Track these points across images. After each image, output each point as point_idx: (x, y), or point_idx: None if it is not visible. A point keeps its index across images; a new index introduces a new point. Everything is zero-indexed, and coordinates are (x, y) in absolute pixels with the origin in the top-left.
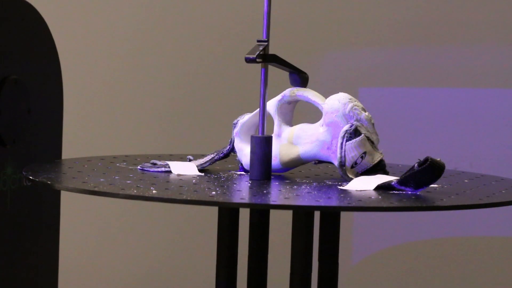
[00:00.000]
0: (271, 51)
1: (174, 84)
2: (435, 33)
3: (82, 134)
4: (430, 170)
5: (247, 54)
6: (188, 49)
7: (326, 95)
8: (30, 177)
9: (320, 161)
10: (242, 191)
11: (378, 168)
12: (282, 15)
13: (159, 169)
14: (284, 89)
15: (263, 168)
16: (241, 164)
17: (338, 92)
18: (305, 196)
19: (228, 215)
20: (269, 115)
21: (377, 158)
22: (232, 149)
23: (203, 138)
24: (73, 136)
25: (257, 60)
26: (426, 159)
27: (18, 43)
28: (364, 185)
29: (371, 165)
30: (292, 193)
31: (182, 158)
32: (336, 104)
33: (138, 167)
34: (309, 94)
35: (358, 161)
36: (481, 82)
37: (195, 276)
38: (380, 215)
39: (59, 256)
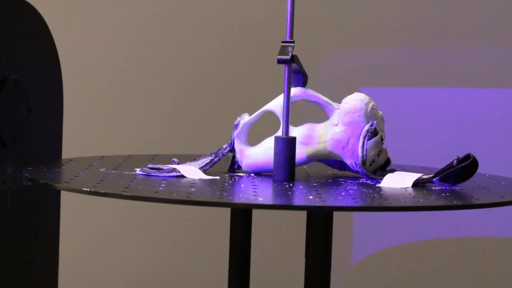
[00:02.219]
0: (271, 51)
1: (174, 84)
2: (435, 33)
3: (82, 134)
4: (472, 167)
5: (279, 56)
6: (188, 49)
7: (326, 95)
8: (30, 177)
9: (319, 162)
10: (288, 193)
11: (386, 165)
12: (282, 15)
13: (170, 174)
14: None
15: (288, 170)
16: (234, 163)
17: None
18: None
19: (241, 216)
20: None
21: (386, 155)
22: (231, 150)
23: (203, 138)
24: (73, 136)
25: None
26: (468, 156)
27: (18, 43)
28: (400, 182)
29: (383, 163)
30: (353, 194)
31: (181, 158)
32: (359, 104)
33: (138, 173)
34: (319, 95)
35: (375, 159)
36: (481, 82)
37: (197, 277)
38: (381, 215)
39: (59, 256)
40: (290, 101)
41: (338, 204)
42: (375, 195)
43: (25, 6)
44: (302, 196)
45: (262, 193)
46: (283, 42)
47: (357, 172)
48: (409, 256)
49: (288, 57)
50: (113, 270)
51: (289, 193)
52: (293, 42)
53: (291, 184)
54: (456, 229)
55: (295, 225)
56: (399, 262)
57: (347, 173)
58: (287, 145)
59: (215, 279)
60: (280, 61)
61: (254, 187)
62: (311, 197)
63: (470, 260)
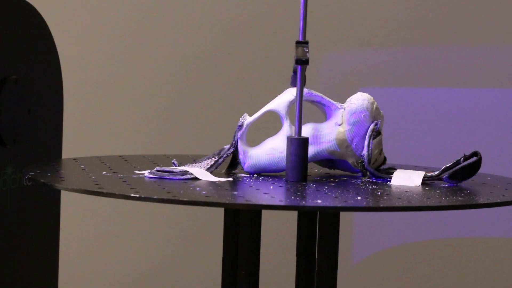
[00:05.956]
0: (271, 50)
1: (174, 84)
2: (435, 33)
3: (82, 134)
4: (479, 163)
5: (298, 57)
6: (186, 50)
7: (326, 95)
8: (30, 177)
9: (317, 162)
10: (303, 193)
11: (383, 163)
12: (282, 15)
13: (184, 177)
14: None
15: (302, 170)
16: (236, 164)
17: (338, 92)
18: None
19: (251, 217)
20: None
21: (383, 154)
22: (234, 151)
23: (202, 138)
24: (73, 136)
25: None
26: (476, 153)
27: (18, 43)
28: (409, 180)
29: (382, 161)
30: (369, 195)
31: (179, 159)
32: (366, 104)
33: (147, 175)
34: (322, 95)
35: (377, 158)
36: (481, 82)
37: (200, 278)
38: (381, 216)
39: (59, 256)
40: (293, 101)
41: (364, 204)
42: (397, 195)
43: (25, 6)
44: (327, 196)
45: (279, 194)
46: (297, 42)
47: (355, 171)
48: (409, 256)
49: (307, 58)
50: (113, 270)
51: (307, 193)
52: (307, 42)
53: (304, 184)
54: (456, 229)
55: (293, 225)
56: (399, 262)
57: (347, 172)
58: (300, 145)
59: (220, 281)
60: (298, 62)
61: (268, 188)
62: (334, 196)
63: (470, 260)
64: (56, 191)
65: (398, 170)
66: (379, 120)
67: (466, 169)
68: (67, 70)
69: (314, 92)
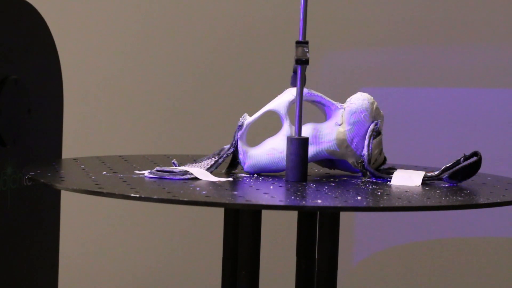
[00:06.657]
0: (271, 50)
1: (174, 84)
2: (435, 33)
3: (82, 134)
4: (479, 163)
5: (298, 57)
6: (188, 50)
7: (326, 95)
8: (30, 177)
9: (317, 162)
10: (305, 193)
11: (383, 163)
12: (282, 15)
13: (184, 177)
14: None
15: (302, 170)
16: (236, 164)
17: (338, 92)
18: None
19: (251, 217)
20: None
21: (383, 154)
22: (234, 151)
23: (202, 138)
24: (73, 136)
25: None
26: (476, 153)
27: (18, 43)
28: (409, 180)
29: (382, 161)
30: (368, 195)
31: (179, 159)
32: (366, 104)
33: (147, 175)
34: (322, 95)
35: (377, 158)
36: (481, 82)
37: (199, 278)
38: (381, 216)
39: (59, 256)
40: (293, 101)
41: (364, 204)
42: (396, 195)
43: (25, 6)
44: (327, 196)
45: (279, 194)
46: (297, 42)
47: (355, 171)
48: (409, 256)
49: (307, 58)
50: (113, 270)
51: (307, 193)
52: (307, 42)
53: (304, 184)
54: (456, 229)
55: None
56: (400, 262)
57: (347, 172)
58: (300, 145)
59: (220, 281)
60: (299, 62)
61: (268, 188)
62: (334, 196)
63: (470, 260)
64: (56, 191)
65: (398, 170)
66: (379, 120)
67: (466, 169)
68: (67, 70)
69: (314, 92)
